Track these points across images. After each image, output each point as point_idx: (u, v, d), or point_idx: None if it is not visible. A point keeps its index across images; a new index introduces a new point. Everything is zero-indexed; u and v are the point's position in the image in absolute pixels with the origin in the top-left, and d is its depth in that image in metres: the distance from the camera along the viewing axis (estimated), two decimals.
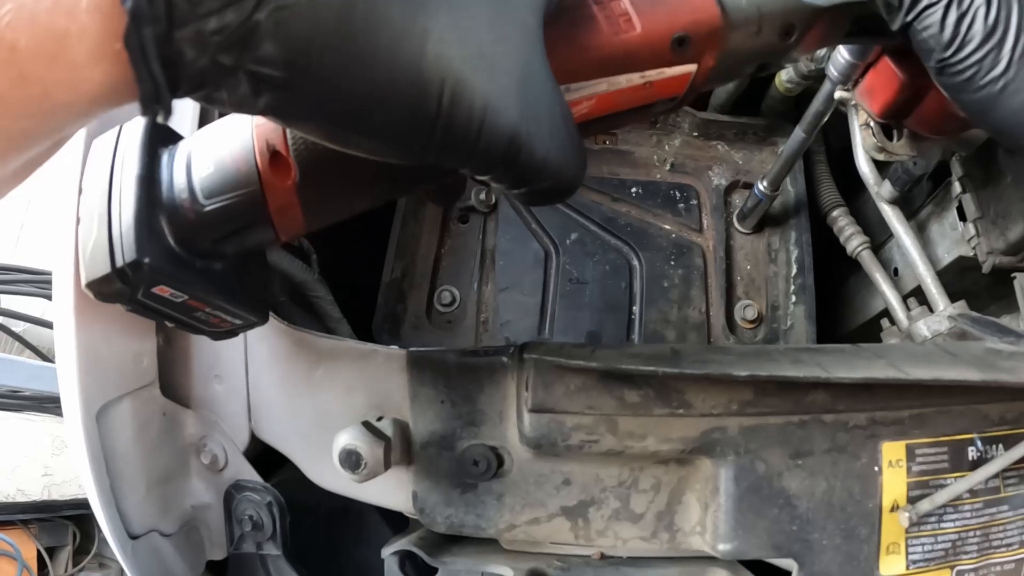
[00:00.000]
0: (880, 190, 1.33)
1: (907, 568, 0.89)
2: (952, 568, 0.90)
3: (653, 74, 0.64)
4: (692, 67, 0.66)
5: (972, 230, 1.23)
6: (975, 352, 0.91)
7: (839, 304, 1.65)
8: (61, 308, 0.86)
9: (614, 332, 1.45)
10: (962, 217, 1.26)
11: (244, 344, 1.00)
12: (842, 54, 1.01)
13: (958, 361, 0.87)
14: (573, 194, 0.61)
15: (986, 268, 1.21)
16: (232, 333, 0.74)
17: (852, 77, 1.02)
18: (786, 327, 1.47)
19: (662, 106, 0.69)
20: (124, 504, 0.94)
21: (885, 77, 1.18)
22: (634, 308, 1.47)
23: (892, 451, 0.87)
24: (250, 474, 1.04)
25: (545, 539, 0.97)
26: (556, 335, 1.44)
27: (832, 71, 1.06)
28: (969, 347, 0.95)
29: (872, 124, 1.28)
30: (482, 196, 1.53)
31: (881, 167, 1.37)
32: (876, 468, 0.87)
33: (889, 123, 1.26)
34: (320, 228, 0.66)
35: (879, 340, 1.41)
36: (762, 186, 1.42)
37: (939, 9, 0.63)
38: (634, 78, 0.63)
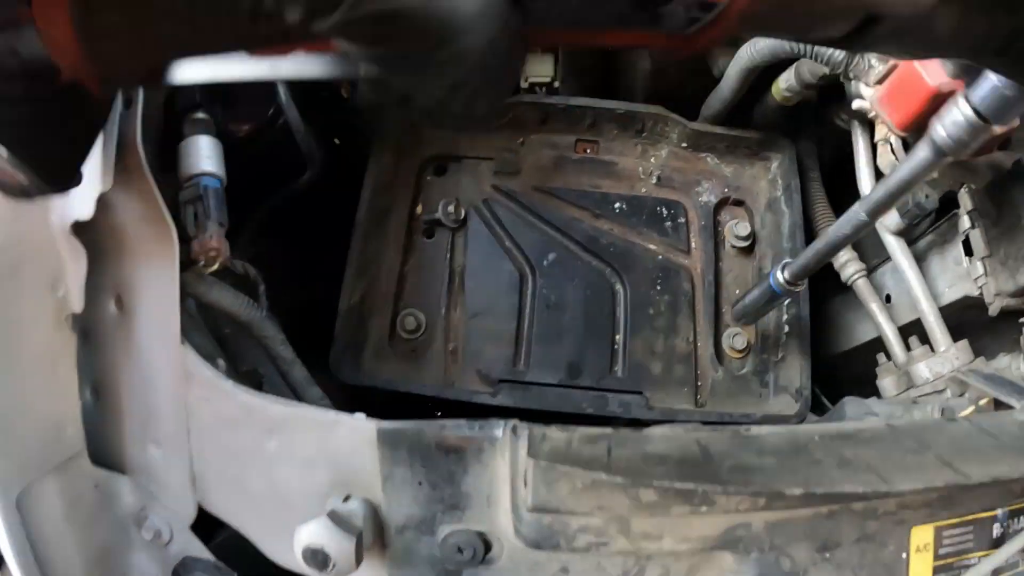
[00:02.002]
0: (886, 220, 1.23)
1: None
2: None
3: None
4: None
5: (980, 269, 1.14)
6: (1012, 431, 0.84)
7: (824, 323, 1.55)
8: None
9: (595, 363, 1.33)
10: (968, 252, 1.18)
11: (184, 407, 0.88)
12: (964, 110, 0.82)
13: (1002, 446, 0.79)
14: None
15: (993, 311, 1.13)
16: (24, 194, 0.64)
17: (968, 147, 0.84)
18: (777, 359, 1.37)
19: (677, 19, 0.54)
20: None
21: (912, 85, 1.07)
22: (617, 337, 1.35)
23: (920, 536, 0.80)
24: (199, 550, 0.92)
25: None
26: (533, 367, 1.32)
27: (940, 132, 0.85)
28: (1004, 424, 0.87)
29: (892, 140, 1.18)
30: (450, 210, 1.38)
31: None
32: (904, 555, 0.79)
33: (909, 137, 1.16)
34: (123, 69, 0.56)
35: (871, 370, 1.33)
36: (782, 278, 1.21)
37: None
38: None
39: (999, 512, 0.81)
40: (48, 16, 0.50)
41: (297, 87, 1.18)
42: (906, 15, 0.54)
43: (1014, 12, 0.55)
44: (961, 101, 0.81)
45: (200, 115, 1.05)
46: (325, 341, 1.29)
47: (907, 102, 1.08)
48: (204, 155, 1.02)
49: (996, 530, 0.82)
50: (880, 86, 1.13)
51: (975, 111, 0.81)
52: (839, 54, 1.16)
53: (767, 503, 0.74)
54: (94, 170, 0.81)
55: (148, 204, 0.87)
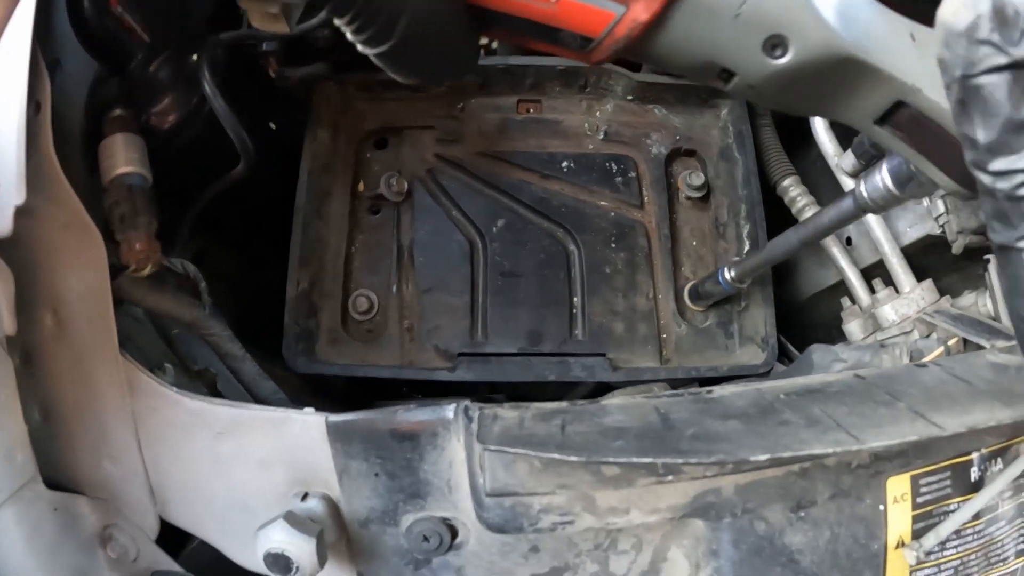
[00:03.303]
0: (841, 162, 1.21)
1: None
2: None
3: None
4: (617, 9, 0.58)
5: (941, 207, 1.12)
6: (985, 375, 0.83)
7: (787, 270, 1.53)
8: None
9: (556, 328, 1.30)
10: None
11: (132, 419, 0.86)
12: (884, 179, 0.84)
13: (976, 392, 0.78)
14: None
15: (957, 249, 1.11)
16: None
17: (884, 207, 0.87)
18: (740, 308, 1.36)
19: (571, 41, 0.62)
20: None
21: None
22: (575, 300, 1.33)
23: (896, 486, 0.79)
24: (167, 563, 0.90)
25: None
26: (492, 338, 1.29)
27: (862, 193, 0.88)
28: (974, 366, 0.86)
29: None
30: (392, 184, 1.34)
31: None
32: (881, 507, 0.79)
33: None
34: None
35: (836, 314, 1.32)
36: (729, 276, 1.24)
37: None
38: None
39: (975, 456, 0.81)
40: None
41: (220, 72, 1.13)
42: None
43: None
44: (883, 168, 0.83)
45: (118, 112, 1.00)
46: (282, 329, 1.25)
47: None
48: (124, 154, 0.97)
49: (974, 474, 0.82)
50: None
51: (885, 181, 0.83)
52: None
53: (735, 467, 0.73)
54: (7, 184, 0.76)
55: (70, 212, 0.83)
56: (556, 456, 0.64)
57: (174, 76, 1.11)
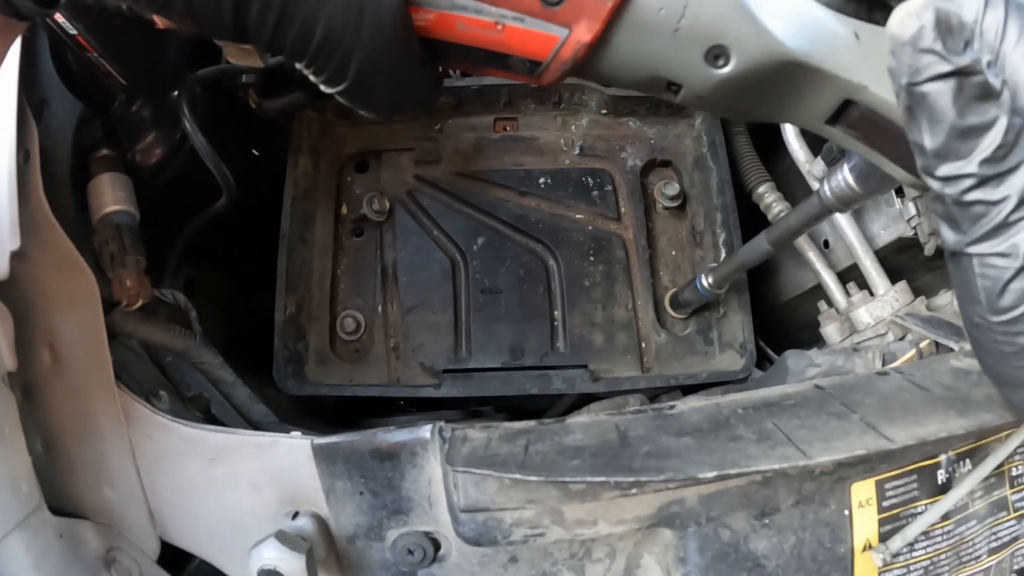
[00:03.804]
0: (812, 168, 1.25)
1: None
2: None
3: (510, 17, 0.59)
4: (561, 32, 0.59)
5: (912, 209, 1.15)
6: (945, 381, 0.84)
7: (764, 275, 1.57)
8: None
9: (537, 342, 1.34)
10: (899, 193, 1.19)
11: (130, 446, 0.89)
12: (846, 177, 0.88)
13: (933, 400, 0.79)
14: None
15: (928, 250, 1.14)
16: None
17: (849, 204, 0.91)
18: (719, 315, 1.39)
19: (520, 66, 0.63)
20: None
21: None
22: (556, 313, 1.36)
23: (861, 491, 0.81)
24: None
25: None
26: (475, 354, 1.33)
27: (826, 192, 0.92)
28: (936, 372, 0.87)
29: None
30: (374, 205, 1.37)
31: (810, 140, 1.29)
32: (846, 512, 0.81)
33: None
34: None
35: (814, 319, 1.35)
36: (707, 282, 1.28)
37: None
38: (485, 12, 0.59)
39: (942, 458, 0.83)
40: None
41: (201, 107, 1.16)
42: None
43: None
44: (844, 167, 0.87)
45: (104, 152, 1.04)
46: (271, 352, 1.29)
47: None
48: (111, 193, 1.01)
49: (941, 476, 0.83)
50: None
51: (847, 179, 0.87)
52: None
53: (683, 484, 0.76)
54: (2, 230, 0.80)
55: (62, 253, 0.87)
56: (517, 476, 0.67)
57: (156, 114, 1.15)
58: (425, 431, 0.80)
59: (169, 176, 1.18)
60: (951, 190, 0.53)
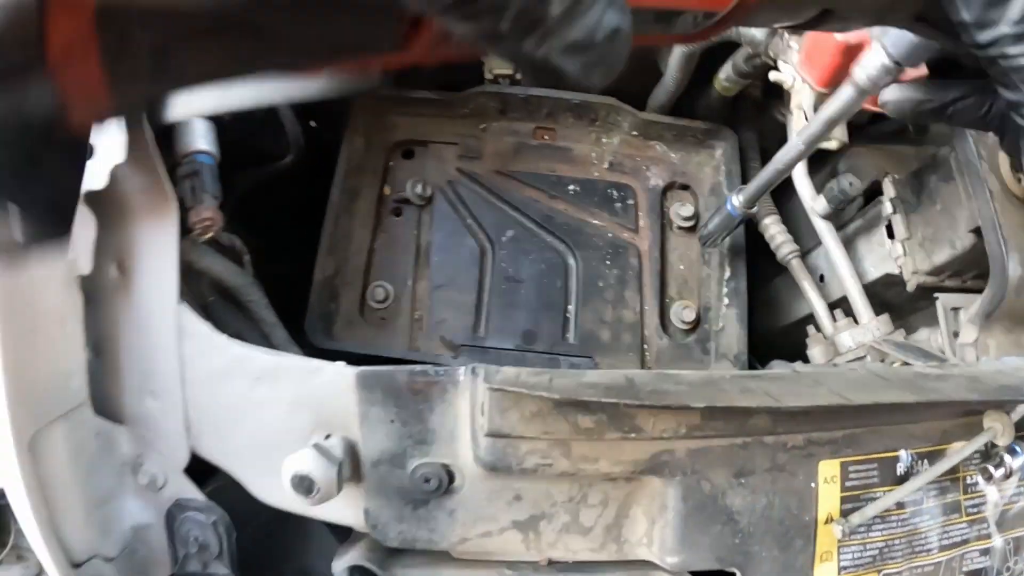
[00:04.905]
0: (814, 205, 1.36)
1: (838, 573, 0.93)
2: (879, 572, 0.95)
3: None
4: None
5: (900, 250, 1.27)
6: (904, 376, 0.96)
7: (765, 302, 1.69)
8: None
9: (549, 331, 1.45)
10: (891, 235, 1.31)
11: (180, 360, 0.97)
12: (882, 56, 0.95)
13: (891, 385, 0.91)
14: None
15: (910, 287, 1.26)
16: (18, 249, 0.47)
17: (880, 84, 0.97)
18: (718, 328, 1.50)
19: (691, 22, 0.63)
20: (64, 531, 0.89)
21: (825, 44, 1.20)
22: (569, 307, 1.47)
23: (827, 469, 0.91)
24: (191, 492, 1.00)
25: (496, 551, 0.97)
26: (491, 334, 1.44)
27: (861, 75, 0.99)
28: (899, 371, 0.99)
29: (804, 107, 1.30)
30: (417, 189, 1.50)
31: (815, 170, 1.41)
32: (812, 485, 0.91)
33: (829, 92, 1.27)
34: (137, 107, 0.50)
35: (803, 342, 1.46)
36: (736, 201, 1.37)
37: None
38: None
39: (902, 452, 0.93)
40: (72, 62, 0.40)
41: None
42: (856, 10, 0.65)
43: None
44: (877, 47, 0.96)
45: None
46: (292, 315, 1.36)
47: (823, 60, 1.22)
48: (199, 135, 1.11)
49: (900, 468, 0.93)
50: (798, 55, 1.27)
51: (889, 56, 0.95)
52: (760, 35, 1.31)
53: (687, 432, 0.87)
54: (108, 143, 0.90)
55: (152, 176, 0.96)
56: (544, 395, 0.78)
57: None
58: (460, 372, 0.90)
59: (242, 130, 1.27)
60: (994, 52, 0.58)
